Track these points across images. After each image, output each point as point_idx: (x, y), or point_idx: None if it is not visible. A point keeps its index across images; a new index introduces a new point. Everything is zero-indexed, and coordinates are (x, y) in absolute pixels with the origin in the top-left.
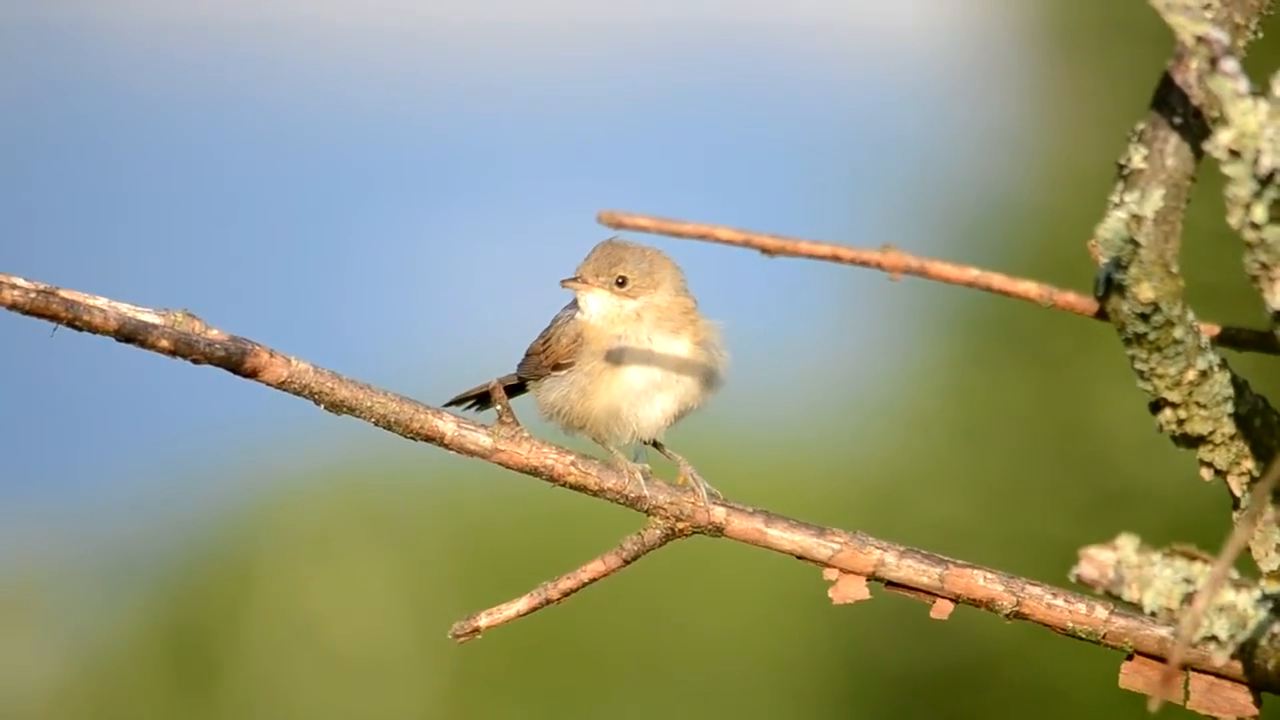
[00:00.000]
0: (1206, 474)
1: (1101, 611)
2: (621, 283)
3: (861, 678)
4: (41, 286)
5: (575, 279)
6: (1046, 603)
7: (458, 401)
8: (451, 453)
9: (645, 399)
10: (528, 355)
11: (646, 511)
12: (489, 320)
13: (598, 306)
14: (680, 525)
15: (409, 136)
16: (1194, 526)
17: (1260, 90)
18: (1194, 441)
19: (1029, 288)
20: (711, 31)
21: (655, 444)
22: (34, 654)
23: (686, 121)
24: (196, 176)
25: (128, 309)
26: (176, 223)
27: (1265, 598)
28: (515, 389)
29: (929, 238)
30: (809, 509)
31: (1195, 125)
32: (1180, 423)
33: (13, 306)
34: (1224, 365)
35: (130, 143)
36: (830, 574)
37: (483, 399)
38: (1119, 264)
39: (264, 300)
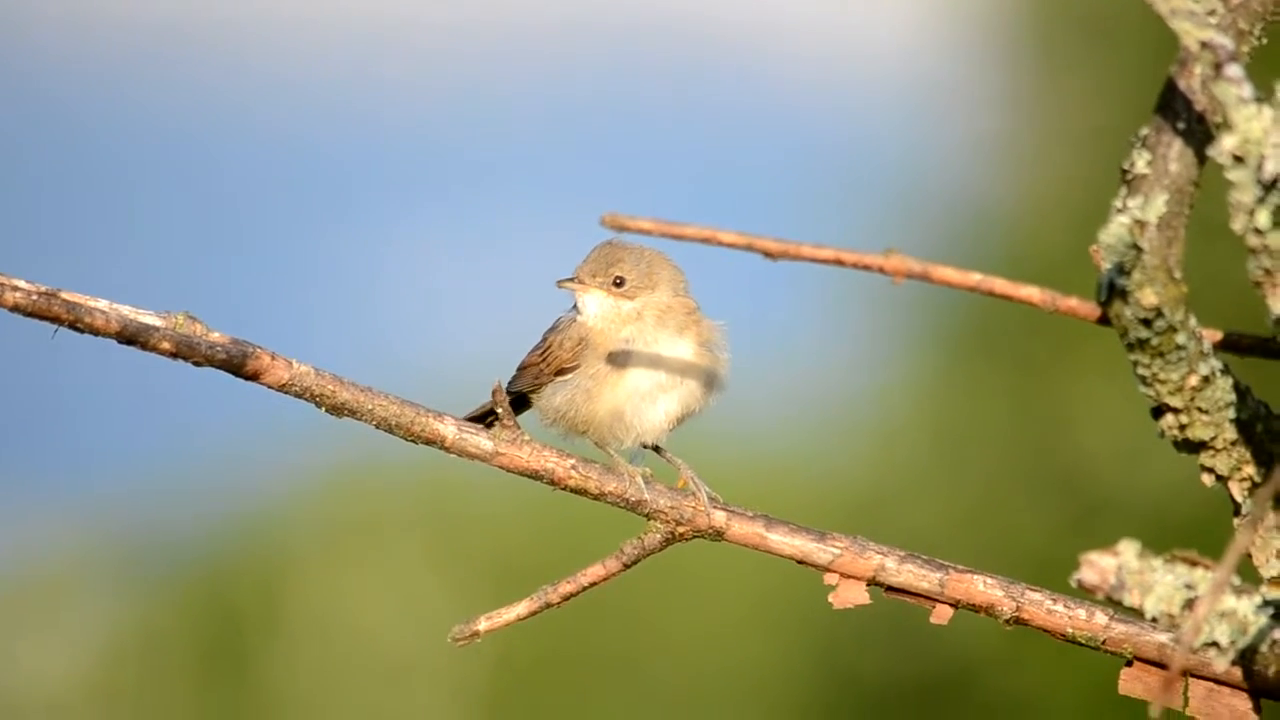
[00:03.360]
0: (1208, 479)
1: (1101, 617)
2: (619, 283)
3: (840, 685)
4: (43, 289)
5: (572, 279)
6: (1046, 608)
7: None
8: (453, 455)
9: (649, 401)
10: (521, 369)
11: (647, 515)
12: (466, 328)
13: (595, 307)
14: (681, 529)
15: (385, 141)
16: (1173, 536)
17: (1264, 96)
18: (1195, 447)
19: (1031, 293)
20: (693, 41)
21: (656, 448)
22: (68, 647)
23: (670, 132)
24: (177, 179)
25: (129, 311)
26: (153, 225)
27: (1266, 604)
28: (516, 404)
29: (915, 245)
30: (793, 515)
31: (1199, 131)
32: (1182, 428)
33: (15, 309)
34: (1226, 371)
35: (105, 146)
36: (830, 579)
37: (493, 414)
38: (1122, 269)
39: (238, 305)
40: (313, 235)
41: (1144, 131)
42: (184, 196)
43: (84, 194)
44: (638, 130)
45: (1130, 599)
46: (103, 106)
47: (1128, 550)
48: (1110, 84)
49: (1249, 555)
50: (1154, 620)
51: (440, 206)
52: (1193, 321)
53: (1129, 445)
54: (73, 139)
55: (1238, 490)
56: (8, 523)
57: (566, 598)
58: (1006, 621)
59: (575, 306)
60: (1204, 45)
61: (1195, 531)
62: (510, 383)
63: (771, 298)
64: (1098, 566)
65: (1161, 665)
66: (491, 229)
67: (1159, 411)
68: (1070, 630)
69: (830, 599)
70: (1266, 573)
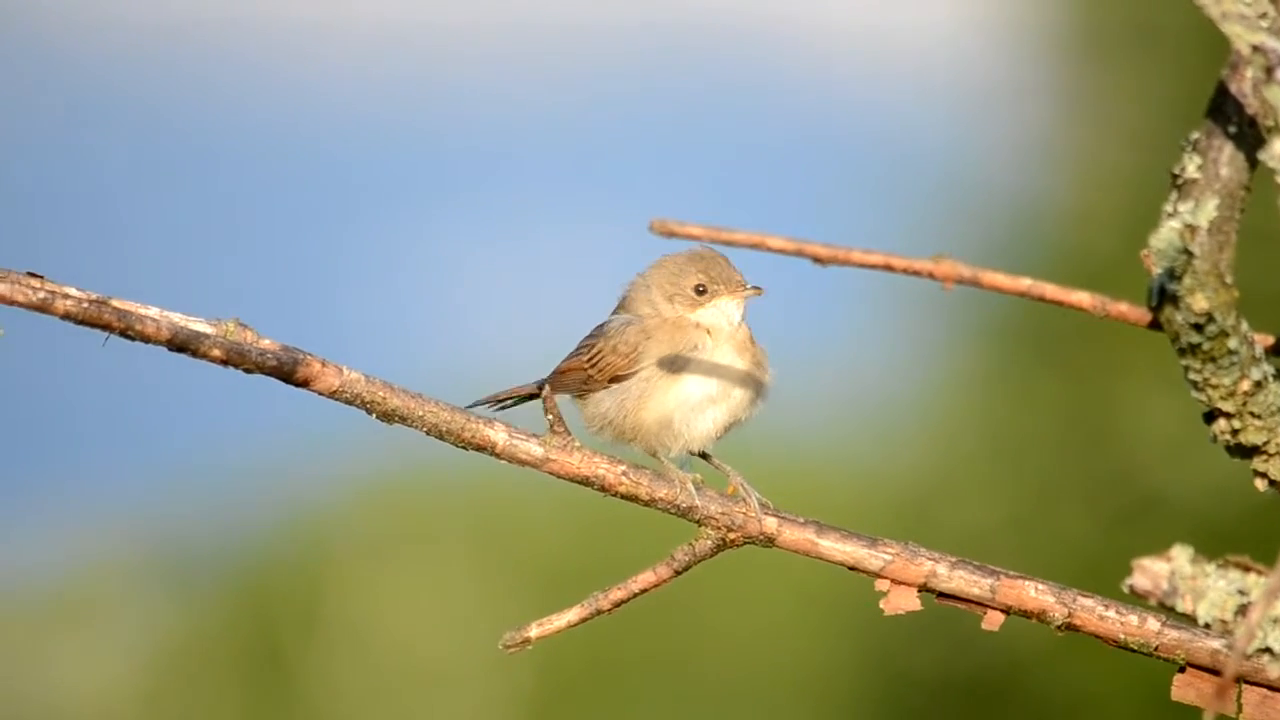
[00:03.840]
0: (1260, 484)
1: (1154, 623)
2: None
3: (889, 682)
4: (94, 296)
5: (754, 287)
6: (1098, 615)
7: (483, 403)
8: (503, 462)
9: (699, 411)
10: (560, 373)
11: (698, 521)
12: (484, 326)
13: (739, 315)
14: (732, 535)
15: (405, 141)
16: (1224, 535)
17: None
18: (1248, 452)
19: (1082, 298)
20: (732, 37)
21: (704, 454)
22: (112, 656)
23: (707, 129)
24: (195, 182)
25: (179, 319)
26: (171, 228)
27: None
28: (530, 398)
29: (962, 244)
30: (838, 516)
31: (1250, 135)
32: (1234, 433)
33: (66, 316)
34: (1279, 376)
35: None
36: (882, 585)
37: (516, 400)
38: (1173, 274)
39: (258, 306)
40: (334, 238)
41: (1194, 136)
42: (202, 200)
43: (101, 197)
44: (672, 129)
45: (1183, 605)
46: (122, 111)
47: (1180, 556)
48: (1158, 85)
49: None
50: (1207, 626)
51: (463, 207)
52: (1245, 326)
53: (1179, 446)
54: (87, 144)
55: None
56: (51, 532)
57: (617, 604)
58: (1058, 628)
59: (624, 316)
60: (1256, 49)
61: (1245, 534)
62: (549, 381)
63: (817, 298)
64: (1150, 572)
65: (1215, 671)
66: (516, 229)
67: (1211, 416)
68: (1122, 636)
69: (881, 605)
70: None
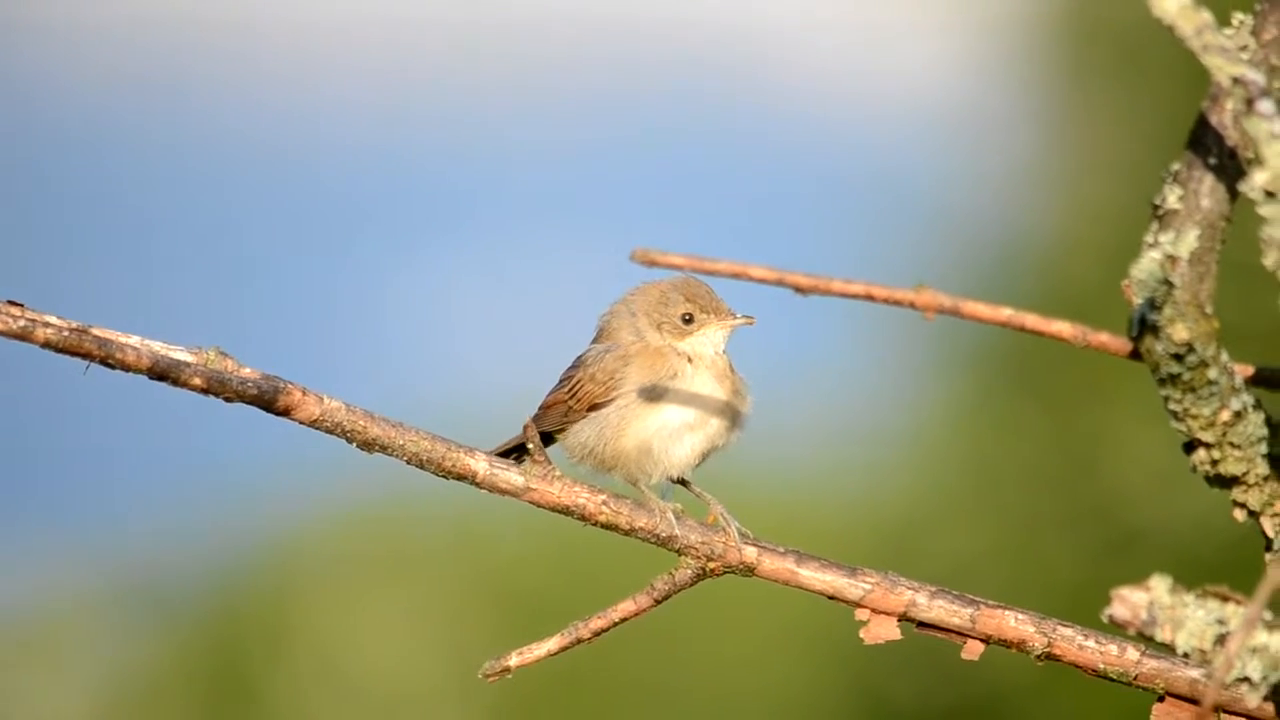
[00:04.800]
0: (1239, 515)
1: (1133, 653)
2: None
3: (870, 710)
4: (75, 325)
5: (745, 316)
6: (1078, 644)
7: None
8: (484, 491)
9: (677, 437)
10: (545, 408)
11: (678, 551)
12: (479, 360)
13: (724, 343)
14: (712, 565)
15: (390, 172)
16: (1205, 566)
17: None
18: (1227, 482)
19: (1063, 328)
20: (717, 70)
21: (683, 482)
22: (77, 685)
23: (693, 162)
24: (185, 211)
25: (160, 347)
26: (161, 257)
27: None
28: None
29: (945, 274)
30: (821, 543)
31: (1230, 166)
32: (1214, 463)
33: (46, 345)
34: (1258, 406)
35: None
36: (862, 614)
37: (519, 449)
38: (1153, 304)
39: (239, 335)
40: (323, 267)
41: (1175, 167)
42: (192, 228)
43: (85, 221)
44: (660, 161)
45: (1162, 634)
46: (104, 132)
47: (1159, 585)
48: (1140, 116)
49: None
50: (1186, 656)
51: (452, 238)
52: (1224, 356)
53: (1161, 477)
54: (73, 166)
55: (1270, 526)
56: (15, 563)
57: (598, 633)
58: (1038, 657)
59: (601, 346)
60: (1236, 81)
61: (1227, 565)
62: (535, 420)
63: (800, 327)
64: (1129, 602)
65: (1193, 701)
66: (499, 259)
67: (1191, 446)
68: (1102, 666)
69: (861, 634)
70: None
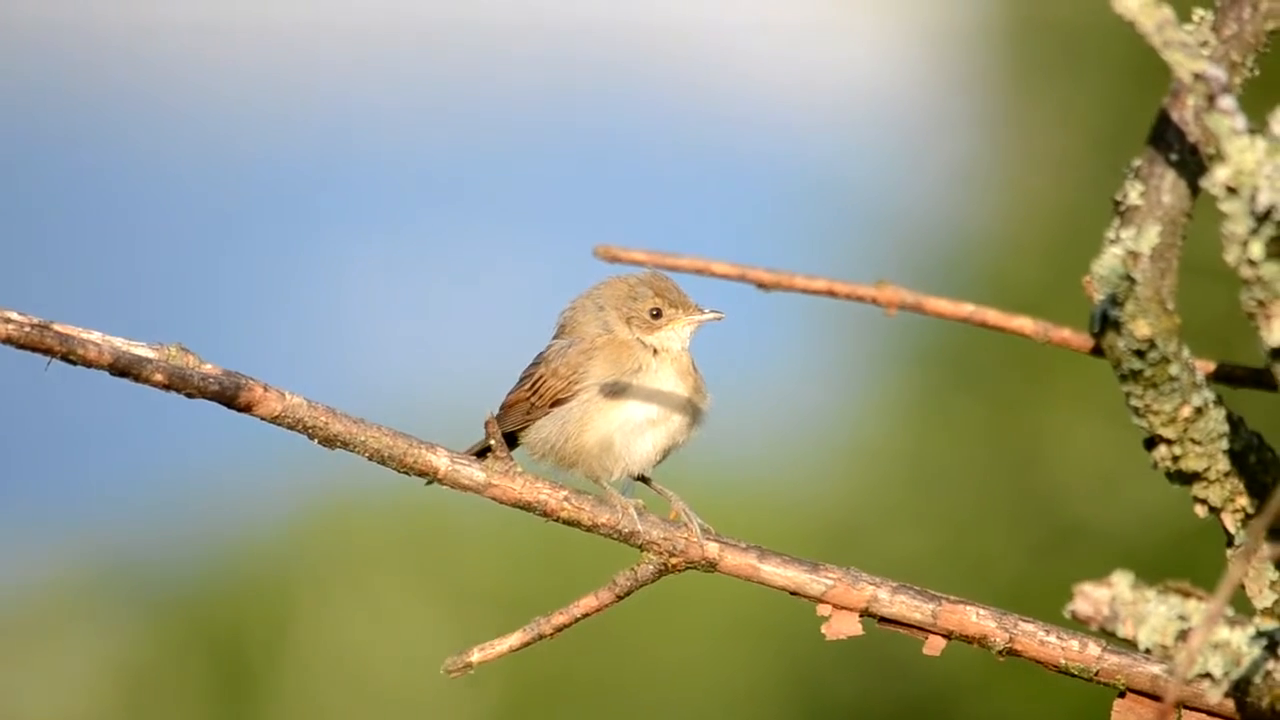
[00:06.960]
0: (1200, 511)
1: (1094, 649)
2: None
3: (819, 709)
4: (36, 321)
5: (713, 311)
6: (1039, 640)
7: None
8: (445, 487)
9: (639, 433)
10: (506, 407)
11: (640, 547)
12: (438, 355)
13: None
14: (674, 560)
15: (351, 163)
16: (1148, 563)
17: (1257, 127)
18: (1188, 478)
19: (1024, 324)
20: (667, 71)
21: (644, 479)
22: (66, 681)
23: (647, 161)
24: (135, 205)
25: (122, 343)
26: (113, 251)
27: (1259, 635)
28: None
29: (891, 274)
30: (769, 542)
31: (1192, 162)
32: (1175, 459)
33: (7, 340)
34: (1219, 402)
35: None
36: (824, 610)
37: (487, 451)
38: (1115, 300)
39: (206, 334)
40: (278, 261)
41: (1137, 163)
42: (144, 222)
43: (35, 221)
44: (613, 160)
45: (1124, 630)
46: (56, 129)
47: (1121, 581)
48: (1080, 113)
49: (1242, 586)
50: (1147, 651)
51: (412, 234)
52: (1186, 353)
53: (1103, 474)
54: (28, 163)
55: (1231, 522)
56: (7, 552)
57: (559, 629)
58: (999, 653)
59: (563, 341)
60: (1197, 77)
61: (1170, 562)
62: (497, 421)
63: (746, 325)
64: (1091, 598)
65: (1155, 697)
66: (461, 256)
67: (1152, 443)
68: (1063, 661)
69: (823, 630)
70: (1260, 604)
